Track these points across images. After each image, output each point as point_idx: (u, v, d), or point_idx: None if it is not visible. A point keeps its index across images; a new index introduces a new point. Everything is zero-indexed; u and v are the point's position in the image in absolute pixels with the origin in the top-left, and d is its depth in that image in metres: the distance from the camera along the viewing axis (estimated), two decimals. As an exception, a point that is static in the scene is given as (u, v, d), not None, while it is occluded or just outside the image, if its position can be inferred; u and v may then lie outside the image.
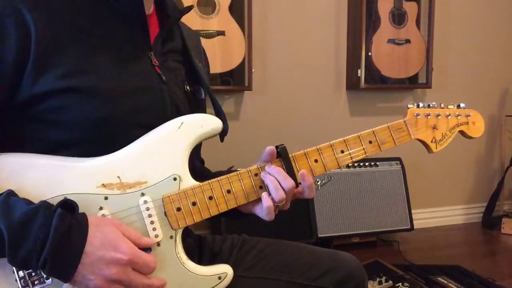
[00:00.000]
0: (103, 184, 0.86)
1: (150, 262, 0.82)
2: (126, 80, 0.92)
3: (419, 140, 1.06)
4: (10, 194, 0.80)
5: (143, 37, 0.98)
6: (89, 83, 0.87)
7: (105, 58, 0.90)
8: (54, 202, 0.82)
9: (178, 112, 0.99)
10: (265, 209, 0.93)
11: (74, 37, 0.88)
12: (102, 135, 0.88)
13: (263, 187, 0.96)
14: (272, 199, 0.93)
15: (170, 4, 1.05)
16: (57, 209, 0.78)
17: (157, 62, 0.99)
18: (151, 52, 0.99)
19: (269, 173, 0.95)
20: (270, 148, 0.96)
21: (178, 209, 0.90)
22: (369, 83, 2.78)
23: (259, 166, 0.96)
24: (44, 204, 0.79)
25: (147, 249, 0.86)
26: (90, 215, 0.82)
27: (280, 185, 0.93)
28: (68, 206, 0.81)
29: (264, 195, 0.93)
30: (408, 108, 1.06)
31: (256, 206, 0.97)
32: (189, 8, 1.08)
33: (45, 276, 0.82)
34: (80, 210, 0.83)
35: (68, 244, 0.77)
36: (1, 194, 0.79)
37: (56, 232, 0.76)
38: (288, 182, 0.93)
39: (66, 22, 0.88)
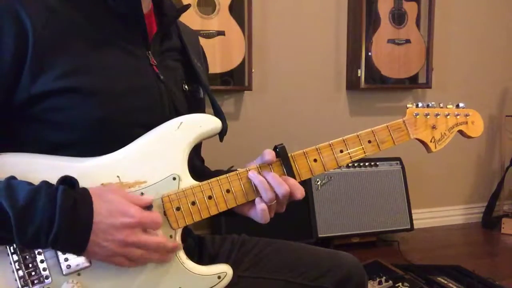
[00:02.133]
0: (102, 184, 0.86)
1: (156, 217, 0.84)
2: (124, 80, 0.92)
3: (418, 139, 1.06)
4: (11, 177, 0.80)
5: (141, 36, 0.98)
6: (87, 83, 0.87)
7: (103, 58, 0.91)
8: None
9: (177, 112, 0.99)
10: (259, 212, 0.93)
11: (71, 37, 0.88)
12: (101, 135, 0.88)
13: None
14: (263, 200, 0.93)
15: (168, 2, 1.05)
16: (59, 186, 0.79)
17: (155, 62, 0.99)
18: (149, 51, 0.99)
19: (259, 174, 0.95)
20: (269, 150, 0.96)
21: (178, 209, 0.90)
22: (369, 83, 2.78)
23: (258, 166, 0.96)
24: (46, 183, 0.80)
25: (149, 207, 0.87)
26: (90, 188, 0.83)
27: (274, 190, 0.93)
28: (68, 182, 0.82)
29: (257, 199, 0.94)
30: (407, 108, 1.06)
31: (251, 210, 0.97)
32: (187, 6, 1.08)
33: (44, 275, 0.82)
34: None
35: (76, 218, 0.78)
36: (2, 179, 0.79)
37: (63, 209, 0.76)
38: (282, 188, 0.93)
39: (63, 22, 0.88)
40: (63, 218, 0.76)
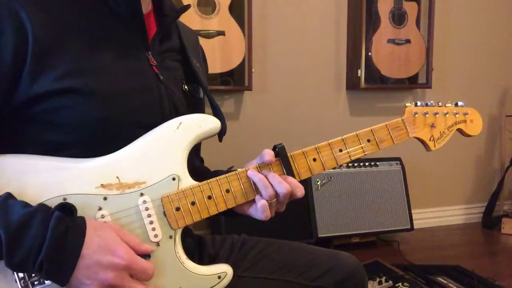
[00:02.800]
0: (102, 185, 0.86)
1: (147, 268, 0.82)
2: (124, 80, 0.92)
3: (417, 138, 1.06)
4: (8, 197, 0.79)
5: (140, 37, 0.98)
6: (87, 84, 0.87)
7: (103, 58, 0.90)
8: (54, 203, 0.82)
9: (177, 112, 0.99)
10: (260, 208, 0.93)
11: (71, 37, 0.88)
12: (101, 136, 0.88)
13: None
14: (263, 197, 0.93)
15: (167, 3, 1.05)
16: (55, 212, 0.78)
17: (154, 62, 0.99)
18: (149, 52, 0.98)
19: (259, 172, 0.95)
20: (268, 151, 0.96)
21: (177, 209, 0.90)
22: (369, 83, 2.78)
23: (258, 165, 0.96)
24: (42, 207, 0.79)
25: (146, 255, 0.85)
26: (89, 219, 0.82)
27: (274, 188, 0.93)
28: (66, 209, 0.81)
29: (257, 196, 0.94)
30: (406, 107, 1.06)
31: (251, 207, 0.97)
32: (186, 7, 1.08)
33: (44, 277, 0.82)
34: (79, 211, 0.83)
35: (64, 247, 0.76)
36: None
37: (53, 235, 0.75)
38: (283, 187, 0.93)
39: (63, 23, 0.88)
40: (51, 245, 0.75)
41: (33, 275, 0.81)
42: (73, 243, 0.77)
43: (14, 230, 0.75)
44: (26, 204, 0.79)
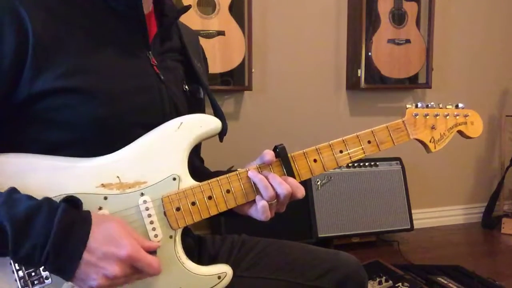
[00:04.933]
0: (102, 184, 0.87)
1: (153, 262, 0.81)
2: (125, 80, 0.92)
3: (418, 140, 1.06)
4: (13, 191, 0.79)
5: (141, 37, 0.98)
6: (87, 83, 0.87)
7: (103, 58, 0.91)
8: (55, 201, 0.82)
9: (177, 112, 0.99)
10: (260, 209, 0.93)
11: (72, 36, 0.88)
12: (102, 135, 0.88)
13: None
14: (264, 198, 0.93)
15: (168, 3, 1.05)
16: (61, 204, 0.78)
17: (155, 62, 0.99)
18: (150, 52, 0.99)
19: (259, 173, 0.94)
20: (268, 151, 0.96)
21: (178, 209, 0.90)
22: (369, 83, 2.78)
23: (258, 166, 0.96)
24: (47, 200, 0.79)
25: (151, 252, 0.85)
26: (94, 213, 0.82)
27: (275, 190, 0.93)
28: (72, 203, 0.81)
29: (258, 196, 0.94)
30: (407, 108, 1.06)
31: (252, 208, 0.97)
32: (187, 7, 1.08)
33: (44, 276, 0.82)
34: (80, 210, 0.83)
35: (70, 238, 0.76)
36: (4, 191, 0.79)
37: (59, 226, 0.75)
38: (284, 188, 0.93)
39: (64, 22, 0.88)
40: (57, 236, 0.75)
41: (33, 274, 0.81)
42: (79, 235, 0.77)
43: (20, 223, 0.75)
44: (31, 197, 0.79)
